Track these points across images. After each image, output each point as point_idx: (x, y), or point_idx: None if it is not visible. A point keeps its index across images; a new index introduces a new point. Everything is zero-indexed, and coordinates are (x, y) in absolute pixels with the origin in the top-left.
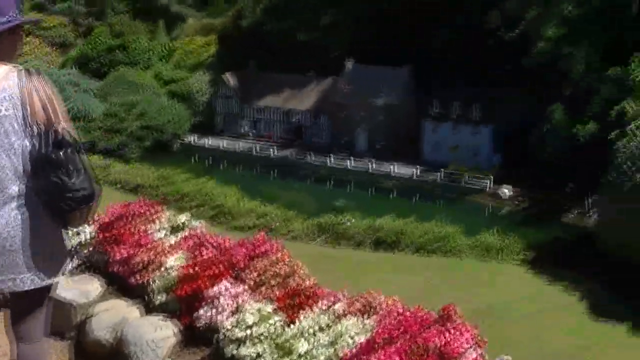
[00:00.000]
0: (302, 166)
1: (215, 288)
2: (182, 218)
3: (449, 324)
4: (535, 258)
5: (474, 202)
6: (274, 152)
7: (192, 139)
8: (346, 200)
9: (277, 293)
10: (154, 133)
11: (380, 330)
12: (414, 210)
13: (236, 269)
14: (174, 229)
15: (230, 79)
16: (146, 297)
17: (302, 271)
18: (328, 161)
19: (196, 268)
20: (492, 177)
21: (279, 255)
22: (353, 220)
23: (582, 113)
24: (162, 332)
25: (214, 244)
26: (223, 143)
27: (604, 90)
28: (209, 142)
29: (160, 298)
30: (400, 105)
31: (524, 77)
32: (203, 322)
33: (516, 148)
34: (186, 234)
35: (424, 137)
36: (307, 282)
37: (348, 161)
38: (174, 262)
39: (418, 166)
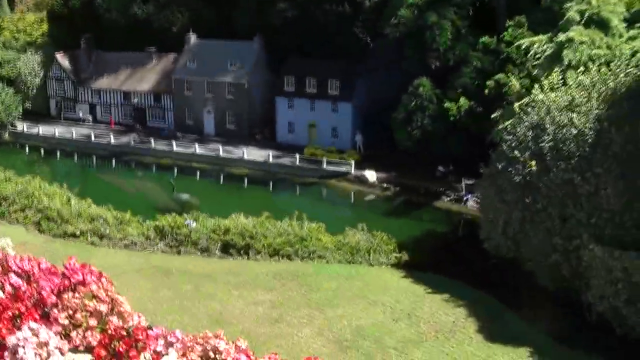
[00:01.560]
0: (145, 154)
1: (18, 334)
2: None
3: None
4: (411, 259)
5: (336, 188)
6: (112, 139)
7: (23, 127)
8: (192, 193)
9: (95, 338)
10: None
11: None
12: (270, 202)
13: (45, 306)
14: None
15: (62, 59)
16: None
17: (123, 307)
18: (172, 147)
19: None
20: (354, 159)
21: (98, 286)
22: (195, 224)
23: (452, 87)
24: None
25: (21, 271)
26: (57, 130)
27: (475, 61)
28: (41, 130)
29: None
30: (251, 82)
31: (388, 49)
32: None
33: (380, 127)
34: None
35: (279, 115)
36: (132, 321)
37: (195, 146)
38: None
39: (272, 150)
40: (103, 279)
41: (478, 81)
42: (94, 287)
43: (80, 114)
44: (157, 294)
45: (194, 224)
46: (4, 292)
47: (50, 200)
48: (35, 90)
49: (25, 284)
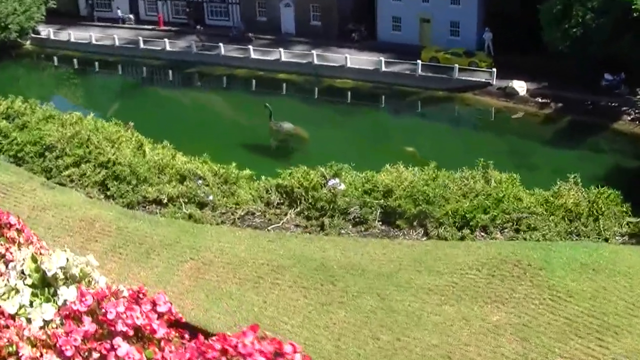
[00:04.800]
0: (212, 62)
1: None
2: (58, 259)
3: None
4: None
5: (473, 104)
6: (168, 45)
7: (48, 32)
8: (291, 118)
9: None
10: None
11: None
12: (391, 127)
13: None
14: (43, 284)
15: None
16: None
17: None
18: (249, 53)
19: None
20: (486, 65)
21: None
22: (343, 186)
23: None
24: None
25: (130, 327)
26: (93, 35)
27: None
28: (73, 35)
29: None
30: None
31: None
32: None
33: (516, 24)
34: (70, 300)
35: (380, 8)
36: None
37: (279, 52)
38: None
39: (374, 52)
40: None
41: None
42: None
43: (119, 13)
44: (327, 317)
45: (341, 186)
46: None
47: (117, 149)
48: None
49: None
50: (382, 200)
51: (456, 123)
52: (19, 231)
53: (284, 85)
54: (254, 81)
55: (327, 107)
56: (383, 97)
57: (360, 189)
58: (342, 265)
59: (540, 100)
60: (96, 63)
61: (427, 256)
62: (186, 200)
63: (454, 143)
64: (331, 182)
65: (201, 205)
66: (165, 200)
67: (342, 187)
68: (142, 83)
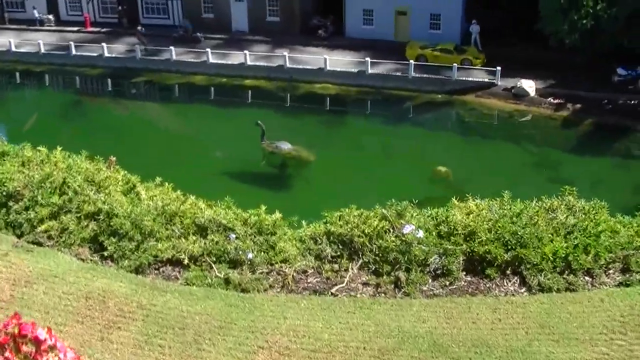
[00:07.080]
0: (161, 69)
1: None
2: None
3: None
4: None
5: (476, 108)
6: (106, 50)
7: None
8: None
9: None
10: None
11: None
12: (403, 142)
13: None
14: None
15: None
16: None
17: None
18: (207, 57)
19: None
20: (480, 62)
21: None
22: (422, 233)
23: None
24: None
25: None
26: (12, 42)
27: None
28: None
29: None
30: None
31: None
32: None
33: (504, 15)
34: None
35: (348, 0)
36: None
37: (244, 55)
38: None
39: (345, 51)
40: None
41: None
42: None
43: (35, 14)
44: None
45: (420, 233)
46: None
47: (106, 194)
48: None
49: None
50: (465, 246)
51: (466, 132)
52: (52, 348)
53: (251, 93)
54: (213, 89)
55: (310, 118)
56: (373, 103)
57: (434, 232)
58: (458, 340)
59: (553, 100)
60: (17, 74)
61: (552, 318)
62: (214, 259)
63: (474, 157)
64: (407, 229)
65: (234, 264)
66: (185, 261)
67: (421, 234)
68: (77, 97)
